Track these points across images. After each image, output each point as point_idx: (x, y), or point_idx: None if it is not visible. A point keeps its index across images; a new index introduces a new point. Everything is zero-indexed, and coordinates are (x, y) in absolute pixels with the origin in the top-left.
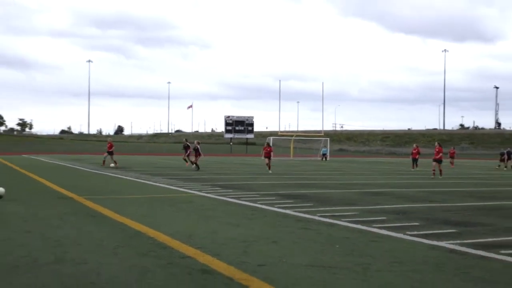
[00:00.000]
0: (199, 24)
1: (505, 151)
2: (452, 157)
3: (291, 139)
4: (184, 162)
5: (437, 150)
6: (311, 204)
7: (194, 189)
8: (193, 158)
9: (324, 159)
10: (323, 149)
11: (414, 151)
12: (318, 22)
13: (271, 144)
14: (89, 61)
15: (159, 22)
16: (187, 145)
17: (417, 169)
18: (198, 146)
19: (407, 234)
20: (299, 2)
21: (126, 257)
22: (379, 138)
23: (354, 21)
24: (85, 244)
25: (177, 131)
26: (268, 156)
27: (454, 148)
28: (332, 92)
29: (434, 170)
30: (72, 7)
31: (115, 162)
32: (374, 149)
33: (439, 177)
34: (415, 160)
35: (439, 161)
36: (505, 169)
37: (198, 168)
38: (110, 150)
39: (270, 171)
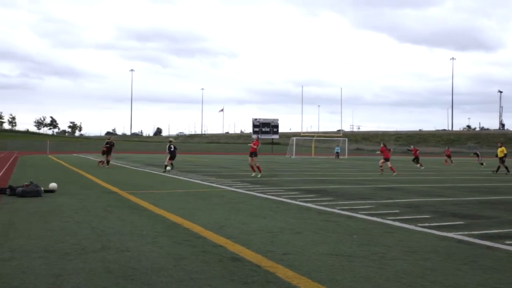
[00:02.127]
0: (227, 36)
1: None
2: (448, 156)
3: (312, 139)
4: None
5: (381, 150)
6: (331, 199)
7: (225, 184)
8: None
9: (337, 157)
10: (336, 148)
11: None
12: (334, 33)
13: (258, 138)
14: (131, 70)
15: (191, 35)
16: (112, 143)
17: (422, 166)
18: (172, 146)
19: (419, 226)
20: (316, 16)
21: (164, 245)
22: (392, 138)
23: (366, 33)
24: (128, 234)
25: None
26: (253, 151)
27: (448, 149)
28: (348, 96)
29: (381, 167)
30: (114, 23)
31: (107, 162)
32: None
33: (394, 173)
34: (416, 158)
35: (386, 159)
36: (482, 166)
37: (171, 167)
38: (107, 149)
39: (253, 174)
